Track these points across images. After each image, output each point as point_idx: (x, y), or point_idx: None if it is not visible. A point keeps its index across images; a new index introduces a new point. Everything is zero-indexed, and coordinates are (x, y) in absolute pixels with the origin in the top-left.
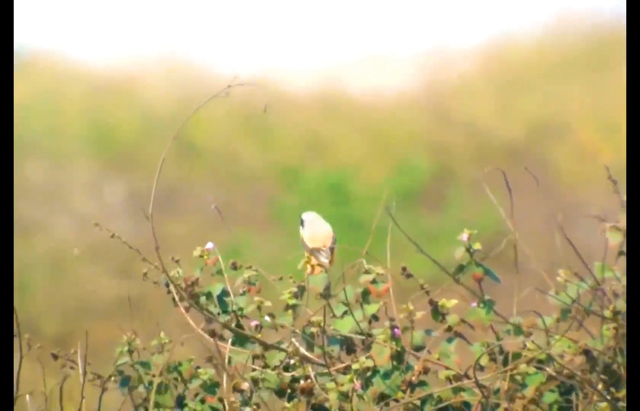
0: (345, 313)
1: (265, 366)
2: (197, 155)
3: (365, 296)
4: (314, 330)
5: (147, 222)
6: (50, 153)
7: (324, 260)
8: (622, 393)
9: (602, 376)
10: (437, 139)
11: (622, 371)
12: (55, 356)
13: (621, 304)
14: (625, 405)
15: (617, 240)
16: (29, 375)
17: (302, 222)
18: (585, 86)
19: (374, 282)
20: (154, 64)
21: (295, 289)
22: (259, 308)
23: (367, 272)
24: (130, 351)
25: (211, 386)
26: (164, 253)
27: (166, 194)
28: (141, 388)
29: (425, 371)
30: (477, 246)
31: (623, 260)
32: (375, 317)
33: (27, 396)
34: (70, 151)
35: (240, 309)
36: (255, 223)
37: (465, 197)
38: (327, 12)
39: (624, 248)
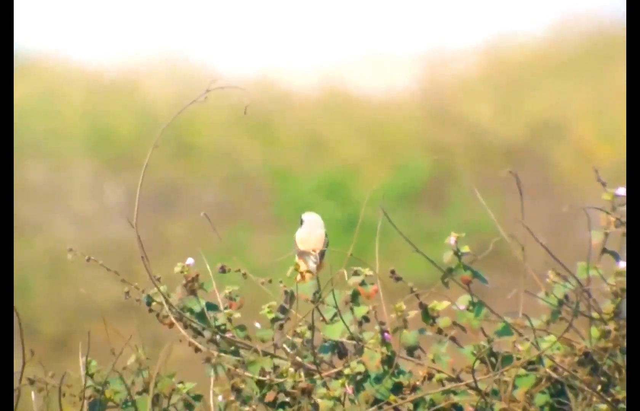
0: (334, 316)
1: (247, 370)
2: (197, 155)
3: (354, 298)
4: (299, 340)
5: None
6: (51, 154)
7: (312, 265)
8: (617, 392)
9: (593, 376)
10: (437, 139)
11: (613, 372)
12: (31, 382)
13: (608, 304)
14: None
15: (599, 239)
16: (29, 374)
17: (301, 222)
18: (586, 86)
19: (362, 283)
20: (154, 64)
21: (274, 303)
22: (229, 319)
23: (355, 273)
24: (90, 375)
25: (194, 399)
26: (163, 254)
27: (166, 194)
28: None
29: (430, 376)
30: (465, 249)
31: (608, 259)
32: (365, 319)
33: (32, 394)
34: (71, 152)
35: (223, 324)
36: (255, 223)
37: (465, 197)
38: (327, 12)
39: (607, 247)
